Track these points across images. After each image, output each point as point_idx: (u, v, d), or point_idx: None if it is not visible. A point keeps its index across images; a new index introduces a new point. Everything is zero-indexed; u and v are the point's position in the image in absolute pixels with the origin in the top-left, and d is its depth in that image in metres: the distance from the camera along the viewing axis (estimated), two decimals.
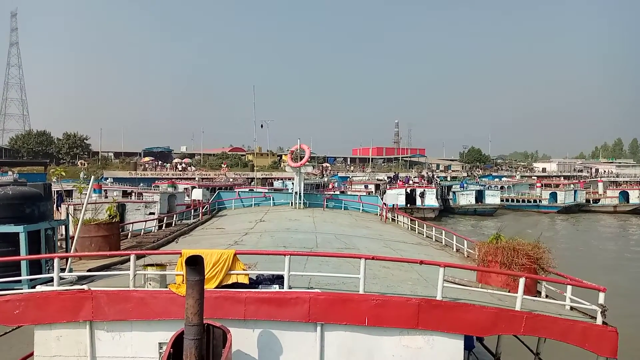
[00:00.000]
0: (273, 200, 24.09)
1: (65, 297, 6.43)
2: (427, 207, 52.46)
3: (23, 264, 7.16)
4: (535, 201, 67.01)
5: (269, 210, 20.96)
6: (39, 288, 6.79)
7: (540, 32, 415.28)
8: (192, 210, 20.98)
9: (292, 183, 24.54)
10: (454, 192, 62.47)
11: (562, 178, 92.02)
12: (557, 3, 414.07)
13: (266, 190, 30.79)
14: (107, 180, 54.63)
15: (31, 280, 7.13)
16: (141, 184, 54.09)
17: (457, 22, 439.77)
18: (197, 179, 64.45)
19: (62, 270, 7.33)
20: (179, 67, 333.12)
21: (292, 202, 22.34)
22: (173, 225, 17.92)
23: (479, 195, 61.07)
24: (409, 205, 51.24)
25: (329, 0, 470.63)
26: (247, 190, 31.09)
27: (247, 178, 66.74)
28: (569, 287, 7.20)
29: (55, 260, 6.84)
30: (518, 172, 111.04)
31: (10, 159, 78.60)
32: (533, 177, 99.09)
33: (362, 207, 23.94)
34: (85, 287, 6.55)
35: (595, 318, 6.63)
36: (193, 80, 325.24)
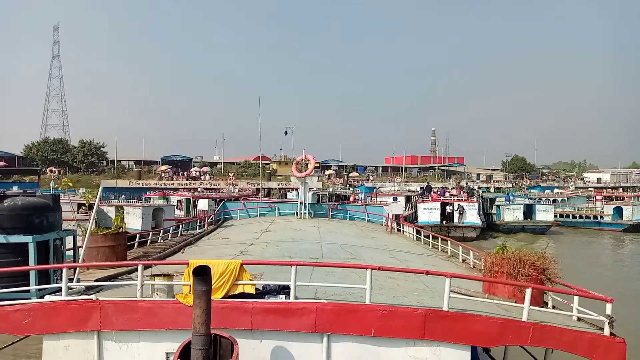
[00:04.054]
0: (278, 210, 24.14)
1: (74, 307, 6.48)
2: (467, 225, 42.99)
3: (32, 274, 7.22)
4: (595, 217, 56.78)
5: (274, 221, 20.99)
6: (47, 298, 6.84)
7: (571, 34, 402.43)
8: (191, 223, 20.72)
9: (296, 192, 24.50)
10: (497, 206, 52.92)
11: (619, 190, 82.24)
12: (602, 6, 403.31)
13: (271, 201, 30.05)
14: (80, 190, 42.87)
15: (40, 290, 7.19)
16: (125, 195, 43.72)
17: (496, 27, 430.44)
18: (199, 189, 59.20)
19: (70, 280, 7.38)
20: (207, 74, 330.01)
21: (297, 212, 22.38)
22: (148, 244, 16.17)
23: (528, 210, 51.54)
24: (444, 222, 42.90)
25: (363, 5, 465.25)
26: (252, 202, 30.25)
27: (257, 188, 62.17)
28: (576, 298, 7.19)
29: (64, 270, 6.89)
30: (572, 183, 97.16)
31: (24, 167, 78.47)
32: (590, 189, 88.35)
33: (368, 217, 23.95)
34: (93, 297, 6.61)
35: (603, 329, 6.61)
36: (226, 88, 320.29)
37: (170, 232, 18.34)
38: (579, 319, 7.24)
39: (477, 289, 8.42)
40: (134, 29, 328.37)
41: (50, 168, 64.86)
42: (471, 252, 13.01)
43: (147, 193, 45.79)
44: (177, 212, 37.22)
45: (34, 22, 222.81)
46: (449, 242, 15.50)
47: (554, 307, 7.92)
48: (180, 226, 19.77)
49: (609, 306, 6.66)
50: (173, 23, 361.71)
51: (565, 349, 6.45)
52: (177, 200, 40.67)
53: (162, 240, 17.01)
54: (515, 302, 7.39)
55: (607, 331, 6.53)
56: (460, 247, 14.02)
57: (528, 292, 6.62)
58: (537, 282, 7.68)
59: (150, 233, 17.87)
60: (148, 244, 16.25)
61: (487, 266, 8.59)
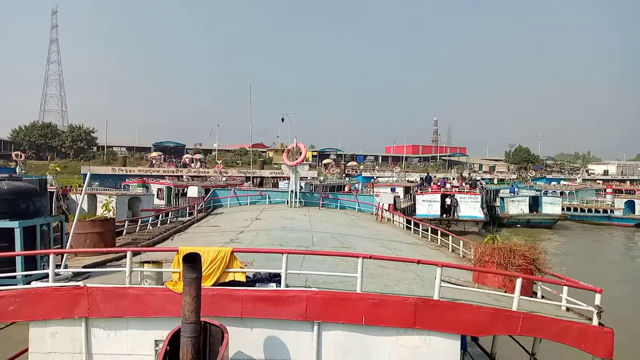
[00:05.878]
0: (269, 198, 24.08)
1: (61, 294, 6.37)
2: (469, 219, 40.32)
3: (18, 260, 7.12)
4: (605, 211, 54.20)
5: (264, 209, 20.92)
6: (34, 284, 6.72)
7: (574, 27, 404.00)
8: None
9: (288, 181, 24.41)
10: (501, 198, 49.85)
11: (628, 182, 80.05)
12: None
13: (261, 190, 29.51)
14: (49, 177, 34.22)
15: (26, 276, 7.08)
16: (99, 182, 40.57)
17: (497, 18, 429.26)
18: (184, 177, 54.48)
19: (58, 266, 7.27)
20: (209, 63, 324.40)
21: (287, 201, 22.33)
22: (137, 231, 15.75)
23: (534, 203, 48.44)
24: (444, 216, 40.48)
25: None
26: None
27: (247, 176, 60.57)
28: (565, 288, 7.24)
29: (51, 256, 6.77)
30: (579, 175, 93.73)
31: (11, 151, 76.97)
32: (598, 182, 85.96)
33: (358, 206, 23.98)
34: (80, 283, 6.50)
35: (592, 319, 6.66)
36: (227, 77, 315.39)
37: (159, 220, 18.14)
38: (567, 309, 7.30)
39: (467, 278, 8.45)
40: (135, 15, 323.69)
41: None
42: (461, 241, 13.09)
43: (127, 180, 41.74)
44: (157, 201, 35.29)
45: (33, 10, 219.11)
46: (439, 231, 15.56)
47: (543, 297, 7.98)
48: (170, 214, 19.54)
49: (597, 296, 6.71)
50: (176, 13, 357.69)
51: (554, 339, 6.50)
52: (158, 189, 38.23)
53: (150, 227, 16.88)
54: (505, 292, 7.43)
55: (595, 321, 6.59)
56: (450, 236, 14.09)
57: (518, 282, 6.64)
58: (527, 272, 7.71)
59: (140, 220, 17.66)
60: (137, 230, 16.11)
61: (477, 256, 8.61)
